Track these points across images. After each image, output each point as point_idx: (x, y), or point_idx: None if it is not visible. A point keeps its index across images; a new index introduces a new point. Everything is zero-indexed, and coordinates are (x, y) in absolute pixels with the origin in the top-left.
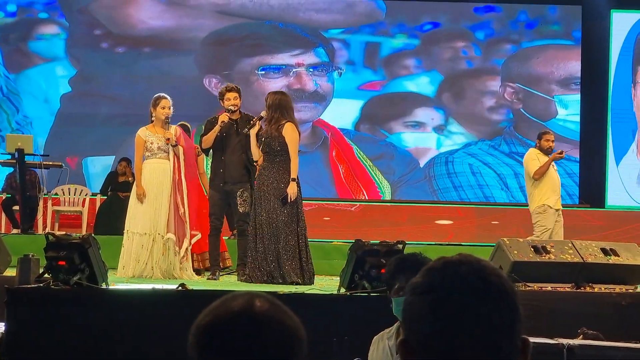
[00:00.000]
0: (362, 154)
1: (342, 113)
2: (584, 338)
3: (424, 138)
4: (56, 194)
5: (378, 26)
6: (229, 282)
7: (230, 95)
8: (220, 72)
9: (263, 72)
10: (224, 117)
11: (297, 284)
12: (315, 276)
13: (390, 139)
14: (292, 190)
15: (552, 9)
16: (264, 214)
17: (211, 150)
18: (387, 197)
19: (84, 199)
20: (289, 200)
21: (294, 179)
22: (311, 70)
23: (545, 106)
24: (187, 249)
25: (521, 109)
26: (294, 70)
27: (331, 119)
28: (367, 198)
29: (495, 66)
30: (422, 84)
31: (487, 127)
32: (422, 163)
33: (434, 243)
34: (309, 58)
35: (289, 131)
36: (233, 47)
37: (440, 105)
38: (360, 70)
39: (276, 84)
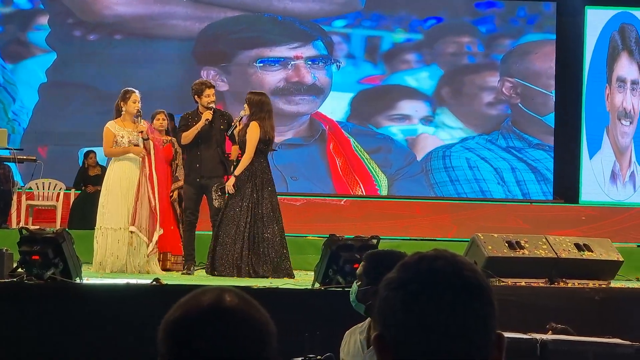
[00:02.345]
0: (359, 147)
1: (337, 106)
2: (552, 333)
3: (421, 132)
4: (30, 188)
5: (380, 20)
6: (203, 277)
7: (210, 92)
8: (218, 64)
9: (261, 65)
10: (208, 115)
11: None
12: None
13: (384, 132)
14: (229, 184)
15: (546, 6)
16: (238, 211)
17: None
18: (384, 190)
19: (58, 194)
20: (226, 193)
21: (235, 175)
22: (309, 63)
23: (543, 101)
24: (155, 242)
25: (519, 104)
26: (292, 62)
27: (329, 112)
28: (363, 191)
29: (495, 61)
30: (421, 79)
31: (485, 122)
32: (419, 157)
33: (408, 238)
34: (308, 51)
35: (250, 129)
36: (231, 39)
37: (438, 99)
38: (360, 64)
39: (274, 76)
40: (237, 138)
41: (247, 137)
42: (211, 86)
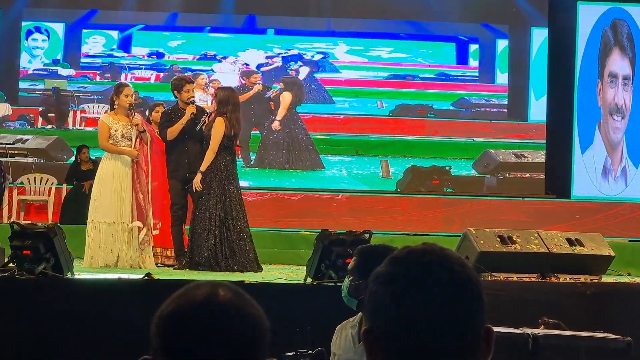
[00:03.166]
0: None
1: None
2: (545, 327)
3: None
4: (22, 183)
5: None
6: (196, 272)
7: (190, 87)
8: None
9: None
10: (192, 109)
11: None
12: (282, 265)
13: None
14: (196, 181)
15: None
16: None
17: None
18: None
19: (50, 188)
20: (194, 190)
21: (201, 171)
22: None
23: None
24: (146, 234)
25: None
26: None
27: None
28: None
29: None
30: None
31: None
32: None
33: (400, 233)
34: None
35: (215, 124)
36: None
37: None
38: None
39: None
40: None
41: (212, 132)
42: (190, 82)
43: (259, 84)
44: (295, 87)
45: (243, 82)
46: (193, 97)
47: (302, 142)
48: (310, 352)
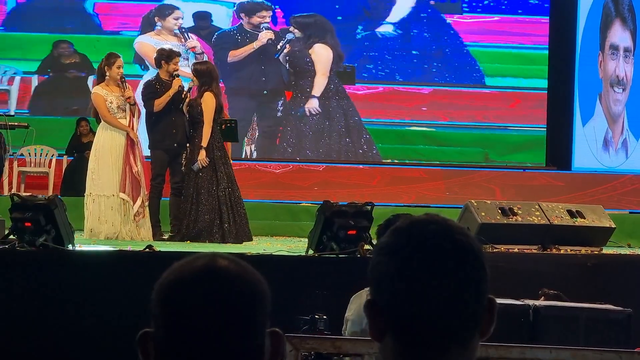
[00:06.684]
0: None
1: None
2: (545, 298)
3: None
4: (22, 154)
5: None
6: (197, 244)
7: (178, 60)
8: None
9: None
10: (179, 81)
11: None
12: (284, 237)
13: None
14: (201, 157)
15: None
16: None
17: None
18: None
19: (50, 160)
20: (199, 167)
21: (204, 147)
22: None
23: None
24: (141, 206)
25: None
26: None
27: None
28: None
29: None
30: None
31: None
32: None
33: (402, 204)
34: None
35: (206, 99)
36: None
37: None
38: None
39: None
40: (185, 109)
41: (204, 107)
42: (179, 54)
43: (266, 29)
44: (327, 35)
45: (240, 21)
46: (178, 69)
47: (344, 128)
48: (324, 316)
